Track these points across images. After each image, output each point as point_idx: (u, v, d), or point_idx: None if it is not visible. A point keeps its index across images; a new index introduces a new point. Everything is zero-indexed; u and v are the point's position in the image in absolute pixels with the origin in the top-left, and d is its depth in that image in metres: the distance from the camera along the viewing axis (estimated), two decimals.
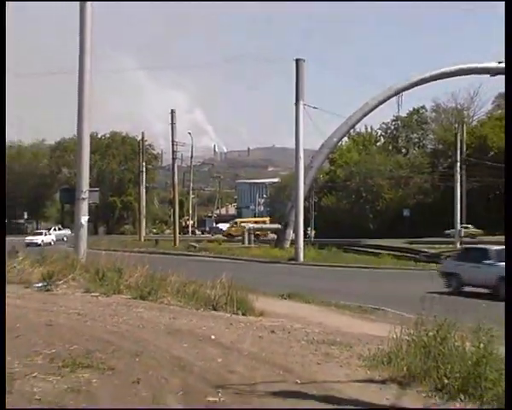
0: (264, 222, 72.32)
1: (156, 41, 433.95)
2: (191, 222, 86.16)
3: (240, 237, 58.76)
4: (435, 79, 49.25)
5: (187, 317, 9.95)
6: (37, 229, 77.22)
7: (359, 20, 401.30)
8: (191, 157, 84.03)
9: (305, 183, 40.74)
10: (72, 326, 8.52)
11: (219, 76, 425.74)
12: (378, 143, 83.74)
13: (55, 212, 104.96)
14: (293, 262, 36.76)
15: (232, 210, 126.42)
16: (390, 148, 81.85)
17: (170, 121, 55.32)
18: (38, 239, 56.20)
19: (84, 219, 20.11)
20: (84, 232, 20.10)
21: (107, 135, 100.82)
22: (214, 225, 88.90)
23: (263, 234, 63.48)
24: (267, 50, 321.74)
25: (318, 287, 20.65)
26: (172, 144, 55.09)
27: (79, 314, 9.57)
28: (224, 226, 79.20)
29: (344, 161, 75.97)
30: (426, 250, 43.62)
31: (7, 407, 4.40)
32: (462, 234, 51.09)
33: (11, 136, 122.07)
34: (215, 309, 11.50)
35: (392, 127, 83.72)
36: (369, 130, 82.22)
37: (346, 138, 68.86)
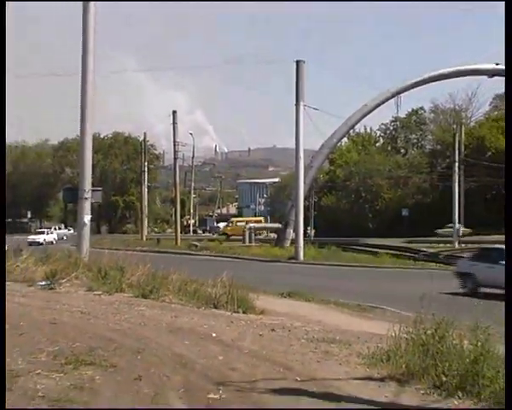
0: (259, 222, 72.29)
1: (156, 42, 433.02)
2: (192, 221, 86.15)
3: (235, 237, 58.71)
4: (433, 81, 49.19)
5: (188, 315, 9.95)
6: (40, 228, 77.23)
7: (358, 21, 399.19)
8: (192, 157, 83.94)
9: (305, 182, 40.70)
10: (75, 324, 8.53)
11: (220, 77, 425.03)
12: (377, 144, 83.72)
13: (58, 211, 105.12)
14: (293, 261, 36.72)
15: (233, 210, 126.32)
16: (389, 148, 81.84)
17: (171, 122, 55.33)
18: (41, 238, 56.26)
19: (87, 218, 20.12)
20: (86, 231, 20.12)
21: (110, 135, 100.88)
22: (215, 224, 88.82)
23: (257, 233, 63.52)
24: (267, 50, 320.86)
25: (318, 285, 20.63)
26: (174, 144, 55.11)
27: (82, 312, 9.58)
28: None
29: (343, 161, 75.94)
30: (424, 249, 43.57)
31: (7, 406, 4.38)
32: (461, 233, 51.06)
33: (15, 136, 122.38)
34: (216, 307, 11.50)
35: (391, 128, 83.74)
36: (368, 130, 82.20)
37: (345, 139, 68.84)
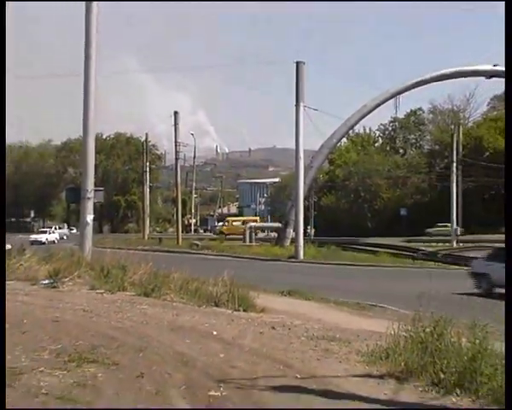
0: (255, 221, 72.34)
1: (157, 42, 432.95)
2: (194, 221, 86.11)
3: (233, 236, 58.73)
4: (432, 82, 49.16)
5: (189, 313, 9.95)
6: (43, 227, 77.32)
7: (359, 21, 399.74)
8: (194, 157, 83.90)
9: (304, 182, 40.71)
10: (77, 322, 8.53)
11: (221, 77, 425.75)
12: (376, 144, 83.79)
13: (61, 211, 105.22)
14: (293, 260, 36.73)
15: (234, 209, 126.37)
16: (388, 148, 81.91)
17: (173, 122, 55.34)
18: (43, 237, 56.31)
19: (90, 217, 20.13)
20: (89, 231, 20.13)
21: (112, 136, 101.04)
22: (216, 223, 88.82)
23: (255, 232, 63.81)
24: (268, 50, 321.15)
25: (318, 284, 20.64)
26: (175, 145, 55.12)
27: (85, 311, 9.58)
28: None
29: (343, 161, 75.98)
30: (423, 248, 43.56)
31: (7, 406, 4.37)
32: (459, 232, 51.06)
33: (18, 137, 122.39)
34: (217, 306, 11.50)
35: (390, 128, 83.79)
36: (367, 131, 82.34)
37: (345, 139, 68.89)
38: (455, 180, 51.08)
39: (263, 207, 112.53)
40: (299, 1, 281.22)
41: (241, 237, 57.11)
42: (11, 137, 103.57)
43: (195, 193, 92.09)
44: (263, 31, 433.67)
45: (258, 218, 78.81)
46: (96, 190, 21.08)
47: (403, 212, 65.42)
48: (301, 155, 39.18)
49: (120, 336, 7.55)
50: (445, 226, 60.42)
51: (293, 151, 40.84)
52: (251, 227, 56.51)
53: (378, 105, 48.16)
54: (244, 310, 11.38)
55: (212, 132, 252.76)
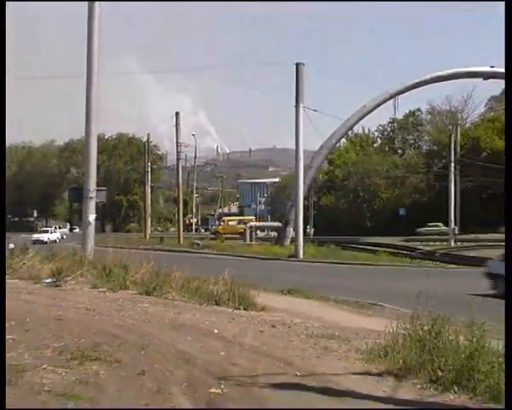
0: (250, 221, 72.47)
1: (157, 44, 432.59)
2: (195, 220, 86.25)
3: (226, 235, 58.83)
4: (431, 83, 49.17)
5: (190, 312, 9.95)
6: (45, 227, 77.30)
7: (358, 21, 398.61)
8: (195, 158, 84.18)
9: (304, 182, 40.71)
10: (80, 320, 8.53)
11: (221, 78, 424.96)
12: (375, 145, 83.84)
13: (63, 210, 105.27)
14: (293, 259, 36.72)
15: (234, 209, 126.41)
16: (386, 149, 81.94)
17: (174, 123, 55.34)
18: (44, 237, 56.36)
19: (92, 217, 20.13)
20: (91, 230, 20.13)
21: (114, 136, 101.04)
22: (217, 223, 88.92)
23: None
24: (267, 51, 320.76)
25: (317, 283, 20.61)
26: (177, 145, 55.12)
27: (87, 309, 9.58)
28: None
29: (342, 161, 76.01)
30: (421, 248, 43.62)
31: (7, 406, 4.36)
32: (457, 232, 51.06)
33: (19, 137, 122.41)
34: (218, 304, 11.49)
35: (389, 129, 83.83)
36: (366, 131, 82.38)
37: (344, 140, 68.90)
38: (453, 180, 51.08)
39: (263, 206, 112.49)
40: (299, 1, 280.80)
41: (237, 236, 57.26)
42: (14, 138, 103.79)
43: (196, 193, 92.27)
44: (263, 31, 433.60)
45: (253, 217, 78.86)
46: (98, 190, 21.06)
47: (401, 211, 65.46)
48: (301, 155, 39.17)
49: (122, 334, 7.56)
50: (436, 226, 60.79)
51: (292, 151, 40.84)
52: (251, 227, 56.52)
53: (377, 106, 48.17)
54: (244, 308, 11.38)
55: (212, 133, 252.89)
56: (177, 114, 55.38)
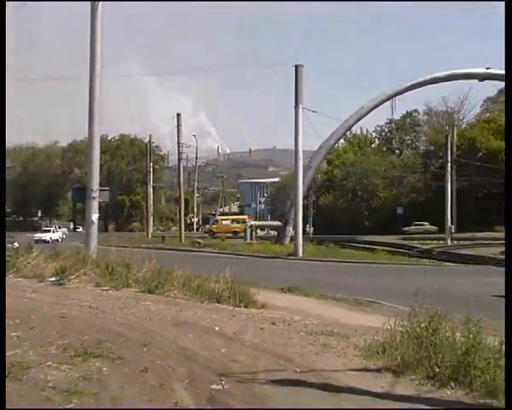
0: (243, 220, 72.55)
1: (158, 46, 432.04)
2: (196, 220, 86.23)
3: (221, 234, 58.97)
4: (427, 84, 49.19)
5: (192, 309, 9.95)
6: (46, 226, 77.32)
7: (357, 21, 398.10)
8: (196, 158, 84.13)
9: (304, 182, 40.73)
10: (83, 318, 8.53)
11: (221, 80, 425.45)
12: (373, 145, 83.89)
13: (67, 210, 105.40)
14: (292, 257, 36.72)
15: (235, 208, 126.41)
16: (384, 149, 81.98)
17: (175, 124, 55.39)
18: (47, 236, 56.38)
19: (95, 216, 20.11)
20: (94, 229, 20.11)
21: (117, 137, 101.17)
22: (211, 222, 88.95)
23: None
24: (267, 51, 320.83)
25: (317, 281, 20.59)
26: (178, 146, 55.14)
27: (91, 307, 9.58)
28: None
29: (341, 161, 76.05)
30: (418, 246, 43.66)
31: (7, 406, 4.36)
32: (453, 230, 51.07)
33: (19, 137, 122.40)
34: (219, 302, 11.49)
35: (387, 130, 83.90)
36: (364, 132, 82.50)
37: (342, 140, 68.91)
38: (449, 180, 51.12)
39: (263, 206, 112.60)
40: (298, 1, 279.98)
41: (231, 235, 57.30)
42: (19, 139, 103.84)
43: (197, 193, 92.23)
44: (262, 31, 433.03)
45: (246, 216, 78.98)
46: (101, 190, 21.04)
47: (399, 210, 65.51)
48: (300, 155, 39.20)
49: (125, 332, 7.55)
50: (422, 225, 61.03)
51: (292, 152, 40.84)
52: (251, 226, 56.55)
53: (374, 107, 48.19)
54: (245, 306, 11.37)
55: (213, 133, 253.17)
56: (178, 115, 55.44)
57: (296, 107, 38.59)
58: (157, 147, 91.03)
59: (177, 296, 11.71)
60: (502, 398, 4.93)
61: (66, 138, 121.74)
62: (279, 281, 18.91)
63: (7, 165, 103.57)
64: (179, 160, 55.86)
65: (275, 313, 10.63)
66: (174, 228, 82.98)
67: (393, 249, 41.06)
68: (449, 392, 5.30)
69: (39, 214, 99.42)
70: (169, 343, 6.98)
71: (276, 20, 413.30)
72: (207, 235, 63.73)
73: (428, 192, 67.36)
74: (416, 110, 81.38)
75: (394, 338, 6.47)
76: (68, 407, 4.58)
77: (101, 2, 19.85)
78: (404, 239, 50.33)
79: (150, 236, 60.61)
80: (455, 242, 49.62)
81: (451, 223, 51.19)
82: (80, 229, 70.37)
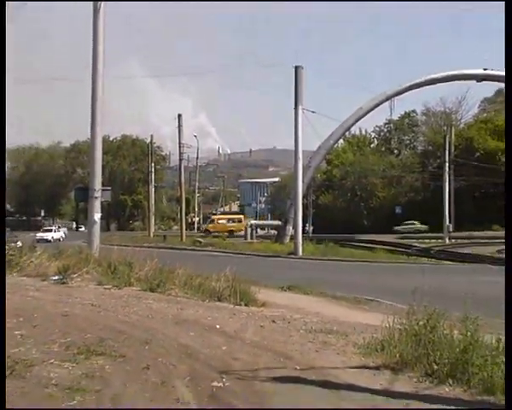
0: (239, 219, 72.66)
1: (158, 47, 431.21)
2: (197, 219, 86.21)
3: (216, 233, 59.03)
4: (425, 85, 49.15)
5: (193, 308, 9.95)
6: (49, 225, 77.30)
7: (357, 21, 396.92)
8: (197, 158, 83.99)
9: (303, 182, 40.71)
10: (86, 316, 8.53)
11: (221, 80, 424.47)
12: (372, 145, 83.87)
13: (70, 209, 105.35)
14: (292, 256, 36.72)
15: (235, 208, 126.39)
16: (383, 149, 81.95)
17: (176, 125, 55.38)
18: (48, 236, 56.36)
19: (97, 216, 20.11)
20: (96, 229, 20.10)
21: (119, 137, 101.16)
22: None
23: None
24: (266, 51, 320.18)
25: (316, 279, 20.58)
26: (179, 146, 55.14)
27: (93, 305, 9.58)
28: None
29: (340, 161, 76.03)
30: (417, 245, 43.62)
31: (7, 406, 4.36)
32: (451, 229, 51.06)
33: (29, 138, 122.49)
34: (219, 300, 11.49)
35: (385, 130, 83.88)
36: (363, 132, 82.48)
37: (341, 140, 68.87)
38: (447, 179, 51.13)
39: (263, 205, 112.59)
40: (297, 1, 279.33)
41: (227, 234, 57.30)
42: (16, 139, 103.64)
43: (198, 192, 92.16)
44: (261, 31, 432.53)
45: (242, 216, 79.19)
46: (103, 190, 21.04)
47: (398, 210, 65.55)
48: (300, 155, 39.21)
49: (127, 330, 7.56)
50: (413, 224, 61.13)
51: (292, 152, 40.84)
52: (251, 225, 56.57)
53: (373, 108, 48.14)
54: (245, 304, 11.37)
55: (213, 134, 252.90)
56: (179, 116, 55.43)
57: (296, 108, 38.59)
58: (158, 147, 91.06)
59: (178, 295, 11.72)
60: (499, 395, 4.93)
61: (67, 139, 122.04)
62: (279, 279, 18.90)
63: (11, 165, 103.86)
64: (180, 160, 55.85)
65: (275, 311, 10.64)
66: (175, 227, 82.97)
67: (392, 248, 41.05)
68: (447, 389, 5.30)
69: (42, 214, 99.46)
70: (170, 341, 6.98)
71: (274, 20, 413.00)
72: (204, 234, 63.75)
73: (426, 192, 67.35)
74: (414, 111, 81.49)
75: (393, 336, 6.47)
76: (68, 407, 4.57)
77: (103, 2, 19.81)
78: (403, 238, 50.30)
79: (152, 235, 60.59)
80: (453, 240, 49.61)
81: (449, 222, 51.18)
82: (83, 228, 70.28)
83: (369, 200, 71.61)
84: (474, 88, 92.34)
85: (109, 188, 26.34)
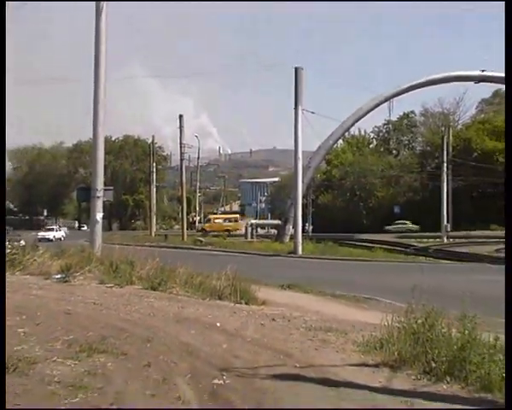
0: (235, 219, 72.82)
1: (157, 46, 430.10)
2: (198, 218, 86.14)
3: (213, 233, 58.99)
4: (424, 86, 49.14)
5: (194, 306, 9.95)
6: (51, 225, 77.34)
7: (357, 21, 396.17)
8: (198, 158, 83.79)
9: (303, 182, 40.75)
10: (88, 315, 8.53)
11: (222, 81, 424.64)
12: (371, 145, 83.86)
13: (72, 209, 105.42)
14: (292, 255, 36.74)
15: (236, 207, 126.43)
16: (382, 149, 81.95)
17: (178, 125, 55.36)
18: (50, 235, 56.40)
19: (99, 215, 20.11)
20: (99, 228, 20.10)
21: (121, 138, 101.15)
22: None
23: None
24: (266, 51, 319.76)
25: (316, 278, 20.59)
26: (180, 146, 55.15)
27: (95, 304, 9.58)
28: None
29: (339, 161, 76.00)
30: (415, 244, 43.59)
31: (7, 406, 4.36)
32: (449, 229, 51.03)
33: (31, 139, 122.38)
34: (220, 299, 11.49)
35: (384, 130, 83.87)
36: (362, 133, 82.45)
37: (341, 141, 68.89)
38: (445, 179, 51.09)
39: (263, 205, 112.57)
40: (298, 1, 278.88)
41: (223, 234, 57.34)
42: (16, 139, 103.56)
43: (199, 192, 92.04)
44: (262, 31, 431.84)
45: (238, 215, 79.40)
46: (105, 190, 21.03)
47: (396, 209, 65.55)
48: (300, 155, 39.24)
49: (129, 328, 7.56)
50: (404, 224, 61.23)
51: (292, 152, 40.86)
52: (252, 224, 56.56)
53: (372, 108, 48.15)
54: (246, 303, 11.36)
55: (214, 134, 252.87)
56: (180, 116, 55.41)
57: (296, 109, 38.61)
58: (160, 147, 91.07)
59: (179, 293, 11.72)
60: (497, 392, 4.94)
61: (70, 139, 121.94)
62: (279, 278, 18.90)
63: (14, 165, 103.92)
64: (181, 160, 55.85)
65: (275, 309, 10.63)
66: (177, 227, 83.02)
67: (391, 247, 41.04)
68: (445, 386, 5.30)
69: (45, 213, 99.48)
70: (171, 339, 6.98)
71: (276, 20, 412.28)
72: (200, 234, 63.76)
73: (425, 192, 67.31)
74: (412, 111, 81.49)
75: (391, 334, 6.47)
76: (68, 406, 4.57)
77: (105, 3, 19.77)
78: (401, 237, 50.28)
79: (153, 234, 60.63)
80: (451, 240, 49.56)
81: (447, 221, 51.14)
82: (85, 227, 70.32)
83: (368, 200, 71.59)
84: (471, 89, 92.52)
85: (111, 188, 26.26)
